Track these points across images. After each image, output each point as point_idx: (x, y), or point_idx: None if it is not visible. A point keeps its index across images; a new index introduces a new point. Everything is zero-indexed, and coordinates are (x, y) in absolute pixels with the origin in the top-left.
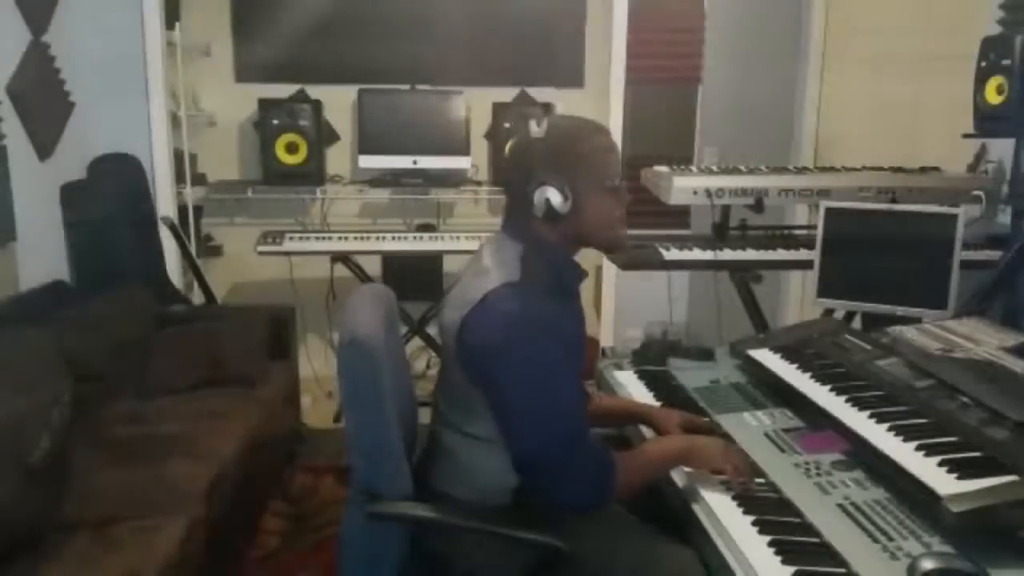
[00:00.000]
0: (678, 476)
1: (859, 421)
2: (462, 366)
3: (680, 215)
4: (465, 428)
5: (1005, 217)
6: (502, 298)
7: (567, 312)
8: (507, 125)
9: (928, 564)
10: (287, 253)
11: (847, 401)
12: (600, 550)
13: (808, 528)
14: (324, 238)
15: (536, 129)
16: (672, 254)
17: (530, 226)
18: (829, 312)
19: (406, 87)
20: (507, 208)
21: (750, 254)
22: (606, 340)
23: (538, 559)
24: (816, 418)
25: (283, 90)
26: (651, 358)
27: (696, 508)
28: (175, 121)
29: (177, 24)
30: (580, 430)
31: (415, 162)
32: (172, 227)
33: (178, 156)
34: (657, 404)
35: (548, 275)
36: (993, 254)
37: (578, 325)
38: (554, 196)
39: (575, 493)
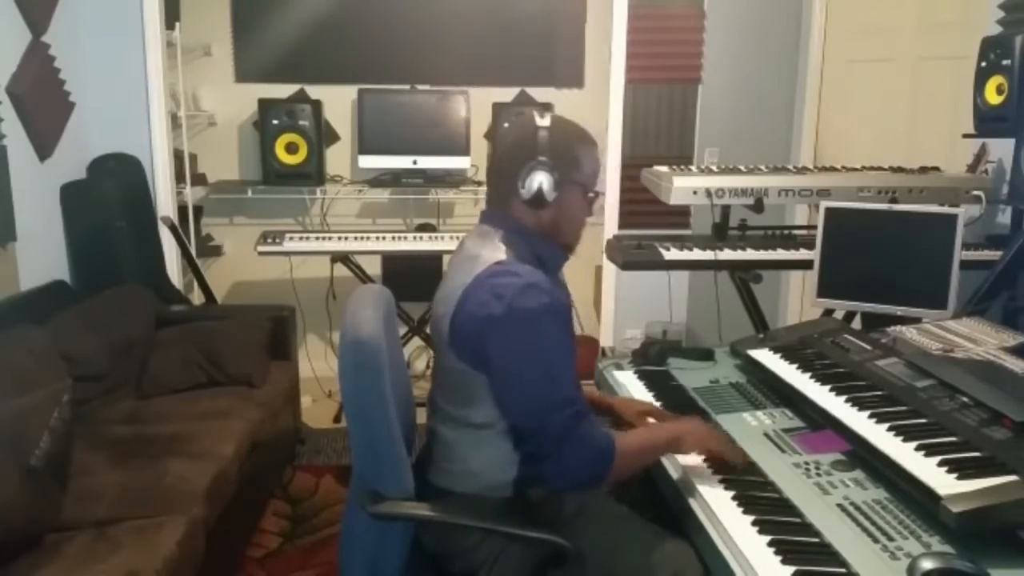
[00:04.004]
0: (676, 474)
1: (859, 421)
2: (456, 352)
3: (680, 215)
4: (463, 418)
5: (1005, 217)
6: (492, 274)
7: (554, 283)
8: (506, 125)
9: (928, 564)
10: (287, 253)
11: (847, 401)
12: (601, 548)
13: (808, 528)
14: (324, 238)
15: (541, 119)
16: (672, 254)
17: (510, 212)
18: (829, 312)
19: (406, 87)
20: (489, 193)
21: (750, 254)
22: (606, 340)
23: (540, 557)
24: (816, 418)
25: (283, 90)
26: (651, 358)
27: (695, 507)
28: (175, 121)
29: (177, 24)
30: (575, 392)
31: (415, 162)
32: (172, 227)
33: (178, 156)
34: (657, 404)
35: (530, 256)
36: (993, 254)
37: (566, 297)
38: (545, 182)
39: (576, 464)
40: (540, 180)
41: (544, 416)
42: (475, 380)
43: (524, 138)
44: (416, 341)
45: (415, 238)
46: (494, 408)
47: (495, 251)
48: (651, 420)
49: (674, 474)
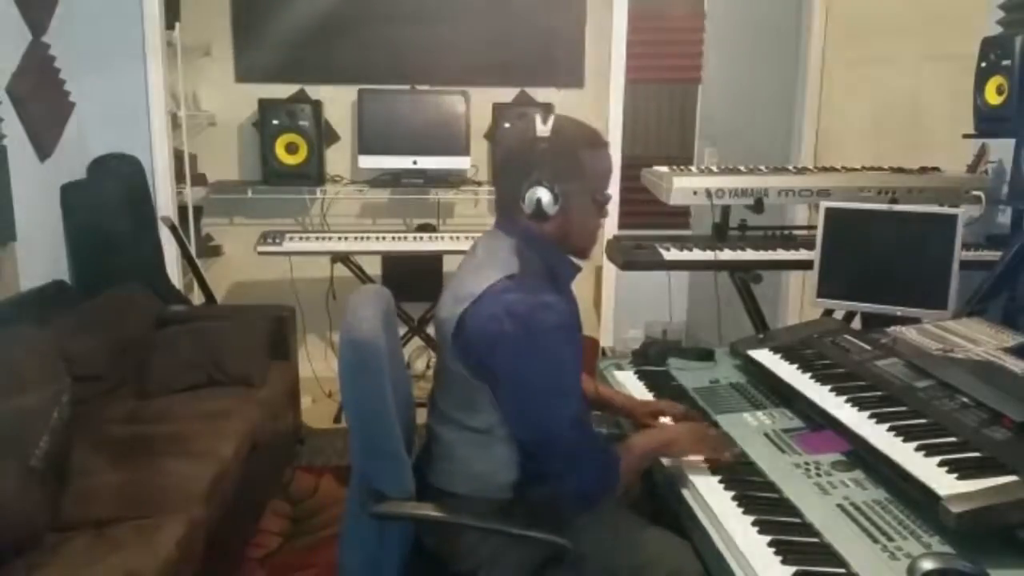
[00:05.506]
0: (675, 474)
1: (859, 421)
2: (462, 360)
3: (680, 215)
4: (464, 422)
5: (1005, 217)
6: (504, 288)
7: (565, 301)
8: (507, 125)
9: (928, 564)
10: (287, 253)
11: (847, 401)
12: (601, 548)
13: (808, 528)
14: (324, 238)
15: (542, 127)
16: (672, 254)
17: (517, 221)
18: (829, 312)
19: (406, 87)
20: (498, 203)
21: (750, 254)
22: (606, 340)
23: (540, 556)
24: (816, 418)
25: (283, 90)
26: (651, 358)
27: (695, 507)
28: (175, 121)
29: (177, 24)
30: (584, 413)
31: (415, 162)
32: (172, 227)
33: (178, 156)
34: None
35: (542, 267)
36: (993, 254)
37: (575, 315)
38: (544, 196)
39: (585, 480)
40: (539, 196)
41: (552, 433)
42: (476, 388)
43: (521, 150)
44: (416, 341)
45: (415, 238)
46: (494, 415)
47: (507, 262)
48: (664, 420)
49: (673, 474)
